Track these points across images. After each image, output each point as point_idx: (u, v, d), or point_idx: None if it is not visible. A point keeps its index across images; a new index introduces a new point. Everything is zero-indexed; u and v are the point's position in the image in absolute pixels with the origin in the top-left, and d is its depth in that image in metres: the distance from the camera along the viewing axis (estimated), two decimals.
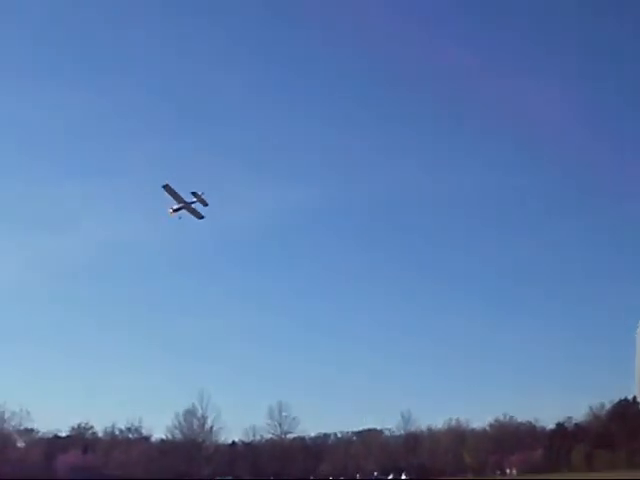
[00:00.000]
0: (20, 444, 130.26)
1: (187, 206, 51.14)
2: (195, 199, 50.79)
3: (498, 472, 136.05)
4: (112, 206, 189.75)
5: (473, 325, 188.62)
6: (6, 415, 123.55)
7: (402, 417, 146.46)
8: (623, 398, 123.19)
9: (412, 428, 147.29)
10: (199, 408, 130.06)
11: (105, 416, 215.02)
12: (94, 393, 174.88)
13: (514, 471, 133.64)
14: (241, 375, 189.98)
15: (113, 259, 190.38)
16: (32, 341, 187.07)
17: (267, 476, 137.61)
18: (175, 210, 51.48)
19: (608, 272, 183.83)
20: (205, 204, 50.91)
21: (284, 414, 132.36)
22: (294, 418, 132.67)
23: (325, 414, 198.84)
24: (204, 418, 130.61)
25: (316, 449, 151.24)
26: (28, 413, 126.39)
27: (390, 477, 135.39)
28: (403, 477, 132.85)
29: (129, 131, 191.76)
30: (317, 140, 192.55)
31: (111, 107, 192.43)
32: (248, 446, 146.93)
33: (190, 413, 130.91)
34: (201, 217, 52.25)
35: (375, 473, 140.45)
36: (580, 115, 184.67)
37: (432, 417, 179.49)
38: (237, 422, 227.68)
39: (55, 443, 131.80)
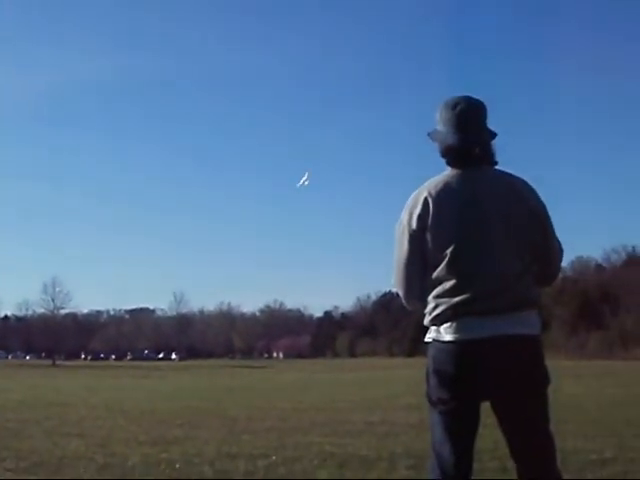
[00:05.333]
0: None
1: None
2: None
3: (266, 355, 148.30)
4: None
5: (246, 210, 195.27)
6: None
7: (174, 298, 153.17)
8: (387, 291, 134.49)
9: (184, 309, 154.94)
10: None
11: None
12: None
13: (281, 355, 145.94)
14: (15, 248, 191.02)
15: None
16: None
17: (39, 351, 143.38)
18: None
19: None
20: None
21: (58, 289, 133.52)
22: (67, 294, 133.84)
23: (98, 291, 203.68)
24: None
25: (88, 326, 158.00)
26: None
27: (161, 356, 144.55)
28: (173, 356, 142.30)
29: None
30: None
31: None
32: (20, 320, 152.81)
33: None
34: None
35: (146, 351, 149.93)
36: None
37: (204, 300, 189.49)
38: (10, 296, 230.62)
39: None
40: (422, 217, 4.22)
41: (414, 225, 4.24)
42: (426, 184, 4.33)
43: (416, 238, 4.25)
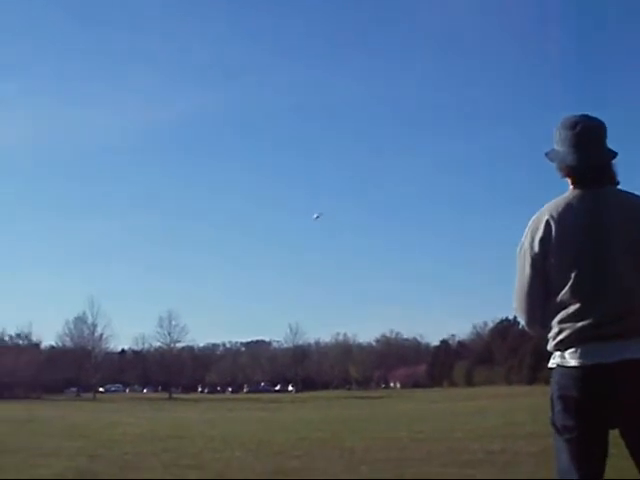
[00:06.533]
0: None
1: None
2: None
3: (383, 385, 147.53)
4: None
5: (360, 241, 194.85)
6: None
7: (290, 330, 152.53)
8: (505, 318, 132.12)
9: (300, 341, 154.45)
10: (89, 315, 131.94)
11: None
12: None
13: (398, 385, 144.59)
14: (131, 283, 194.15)
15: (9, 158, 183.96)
16: None
17: (155, 384, 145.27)
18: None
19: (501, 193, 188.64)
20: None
21: (174, 323, 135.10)
22: (183, 327, 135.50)
23: (214, 324, 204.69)
24: (94, 326, 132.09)
25: (204, 359, 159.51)
26: None
27: (277, 388, 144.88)
28: (290, 388, 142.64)
29: None
30: None
31: None
32: (137, 354, 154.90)
33: (80, 320, 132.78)
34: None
35: (262, 384, 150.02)
36: None
37: (320, 331, 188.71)
38: (127, 330, 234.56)
39: None
40: (544, 240, 4.11)
41: (536, 249, 4.14)
42: (547, 206, 4.21)
43: (538, 262, 4.14)
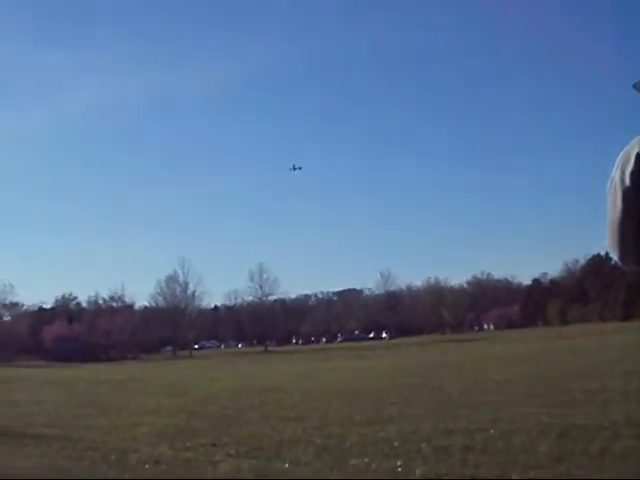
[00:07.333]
0: (6, 318, 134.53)
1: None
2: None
3: (476, 328, 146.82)
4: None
5: (448, 182, 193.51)
6: None
7: (381, 276, 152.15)
8: (597, 254, 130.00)
9: (392, 287, 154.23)
10: (181, 274, 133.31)
11: (88, 286, 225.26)
12: (76, 264, 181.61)
13: (491, 326, 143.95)
14: (221, 239, 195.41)
15: (94, 124, 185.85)
16: (11, 216, 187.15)
17: (250, 338, 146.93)
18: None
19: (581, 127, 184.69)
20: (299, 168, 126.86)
21: (265, 276, 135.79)
22: (275, 280, 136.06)
23: (305, 275, 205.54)
24: (186, 284, 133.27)
25: (297, 310, 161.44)
26: (12, 287, 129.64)
27: (371, 335, 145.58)
28: (384, 335, 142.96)
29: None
30: None
31: None
32: (230, 310, 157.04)
33: (172, 279, 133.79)
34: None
35: (356, 332, 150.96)
36: None
37: (411, 276, 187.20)
38: (218, 287, 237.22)
39: (40, 315, 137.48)
40: (635, 173, 4.04)
41: (627, 182, 4.07)
42: (637, 138, 4.10)
43: (630, 196, 4.07)
